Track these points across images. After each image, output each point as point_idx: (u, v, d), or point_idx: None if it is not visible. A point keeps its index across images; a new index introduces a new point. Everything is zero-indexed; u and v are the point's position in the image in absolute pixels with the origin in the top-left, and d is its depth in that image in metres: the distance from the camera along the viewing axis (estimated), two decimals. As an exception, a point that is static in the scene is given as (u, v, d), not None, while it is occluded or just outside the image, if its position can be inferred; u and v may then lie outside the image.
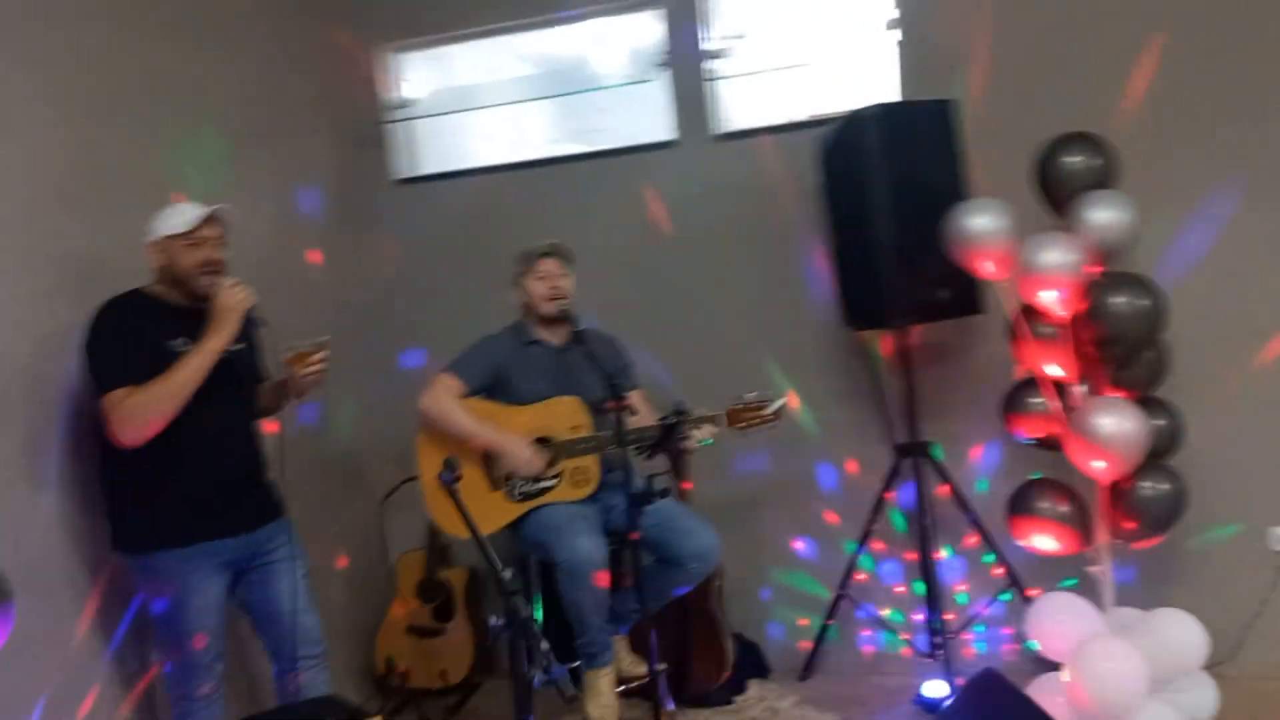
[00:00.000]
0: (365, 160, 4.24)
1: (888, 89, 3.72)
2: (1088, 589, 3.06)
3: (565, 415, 3.18)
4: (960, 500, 3.55)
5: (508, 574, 1.77)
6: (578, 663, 3.16)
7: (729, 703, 3.66)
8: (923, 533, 3.51)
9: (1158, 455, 2.97)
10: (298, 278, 3.84)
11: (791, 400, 3.66)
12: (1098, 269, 2.94)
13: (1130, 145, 3.13)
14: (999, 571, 3.56)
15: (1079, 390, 2.98)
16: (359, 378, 4.05)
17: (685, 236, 3.93)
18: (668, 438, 2.86)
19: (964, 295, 3.32)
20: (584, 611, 3.04)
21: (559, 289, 3.26)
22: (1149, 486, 2.95)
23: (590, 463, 3.16)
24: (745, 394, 3.13)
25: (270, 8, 3.88)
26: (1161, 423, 2.99)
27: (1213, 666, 2.97)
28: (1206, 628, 2.88)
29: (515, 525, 3.22)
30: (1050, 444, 3.05)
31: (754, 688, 3.76)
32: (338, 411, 3.93)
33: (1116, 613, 3.02)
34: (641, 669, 3.24)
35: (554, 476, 3.18)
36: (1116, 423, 2.81)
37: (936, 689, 3.45)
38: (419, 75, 4.36)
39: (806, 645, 3.84)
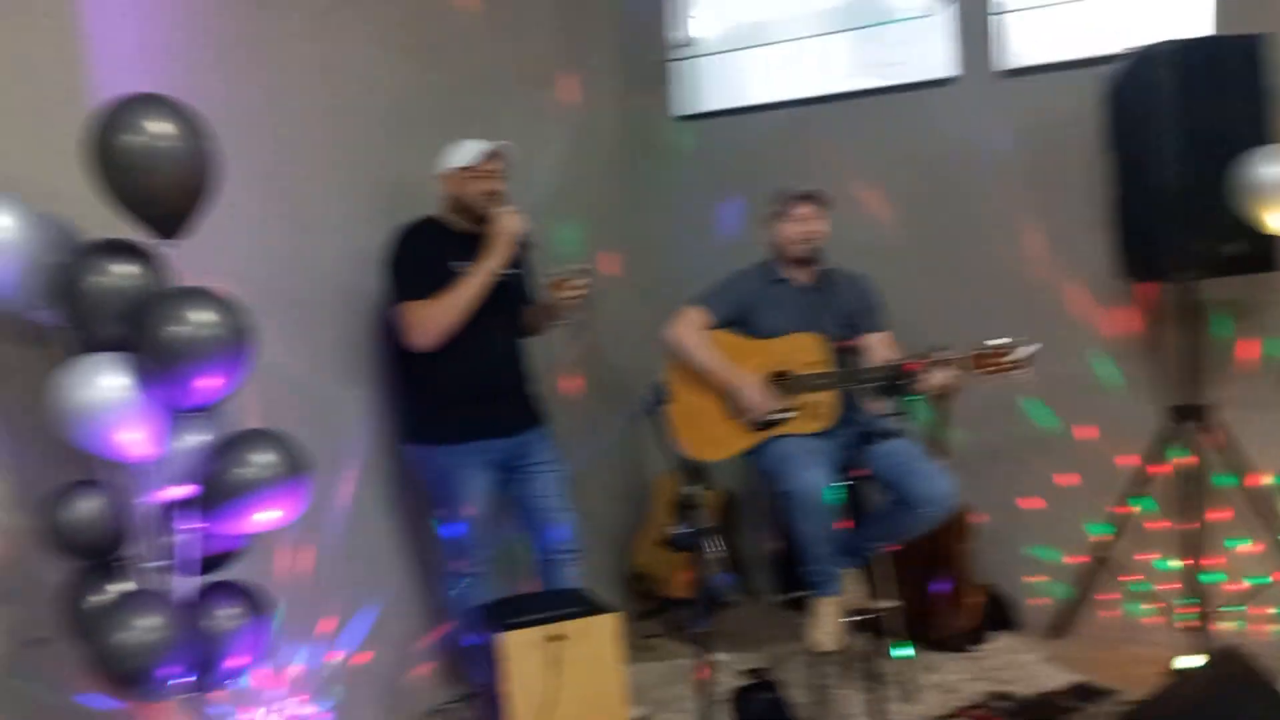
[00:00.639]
0: (650, 96, 4.44)
1: (1197, 22, 3.41)
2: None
3: (804, 351, 3.27)
4: (1238, 471, 3.28)
5: (692, 489, 1.93)
6: (804, 593, 3.29)
7: (970, 651, 3.65)
8: (1192, 501, 3.29)
9: None
10: (581, 208, 4.15)
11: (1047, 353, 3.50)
12: None
13: None
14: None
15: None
16: (631, 303, 4.33)
17: (961, 177, 3.83)
18: (903, 380, 2.88)
19: (1258, 249, 3.04)
20: (810, 541, 3.15)
21: (812, 233, 3.32)
22: None
23: (827, 398, 3.24)
24: (996, 338, 3.05)
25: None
26: None
27: None
28: None
29: (752, 454, 3.36)
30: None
31: (999, 640, 3.71)
32: (608, 334, 4.23)
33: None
34: (871, 604, 3.32)
35: (792, 409, 3.29)
36: None
37: (1192, 663, 3.26)
38: (706, 12, 4.49)
39: (1059, 604, 3.73)
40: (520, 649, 2.85)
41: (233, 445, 2.28)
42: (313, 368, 3.08)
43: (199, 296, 2.15)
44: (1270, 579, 3.35)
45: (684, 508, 1.89)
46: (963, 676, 3.47)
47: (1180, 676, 3.07)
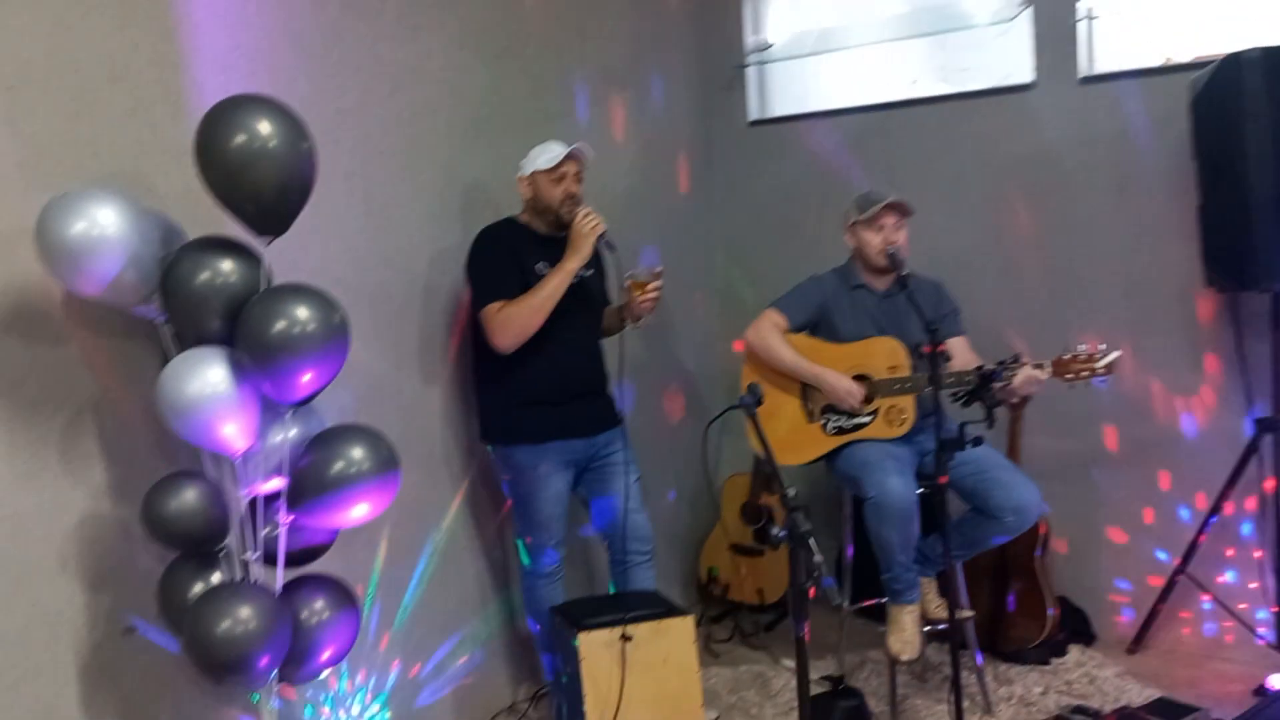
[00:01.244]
0: (724, 102, 4.45)
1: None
2: None
3: (884, 355, 3.24)
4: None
5: (792, 491, 1.93)
6: (878, 600, 3.26)
7: (1046, 663, 3.58)
8: (1278, 517, 3.22)
9: None
10: (656, 211, 4.16)
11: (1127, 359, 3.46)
12: None
13: None
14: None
15: None
16: (705, 307, 4.34)
17: (1041, 184, 3.78)
18: (984, 386, 2.85)
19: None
20: (890, 548, 3.12)
21: (894, 242, 3.30)
22: None
23: (906, 402, 3.21)
24: (1077, 345, 3.02)
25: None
26: None
27: None
28: None
29: (830, 459, 3.34)
30: None
31: (1075, 653, 3.65)
32: (680, 340, 4.25)
33: None
34: (948, 613, 3.28)
35: (869, 414, 3.26)
36: None
37: (1282, 683, 3.19)
38: (780, 16, 4.49)
39: (1137, 618, 3.66)
40: (595, 649, 2.86)
41: (325, 440, 2.31)
42: (395, 365, 3.12)
43: (299, 293, 2.18)
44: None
45: (784, 508, 1.87)
46: (1039, 689, 3.42)
47: (1273, 695, 3.00)
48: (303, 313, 2.15)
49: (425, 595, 3.21)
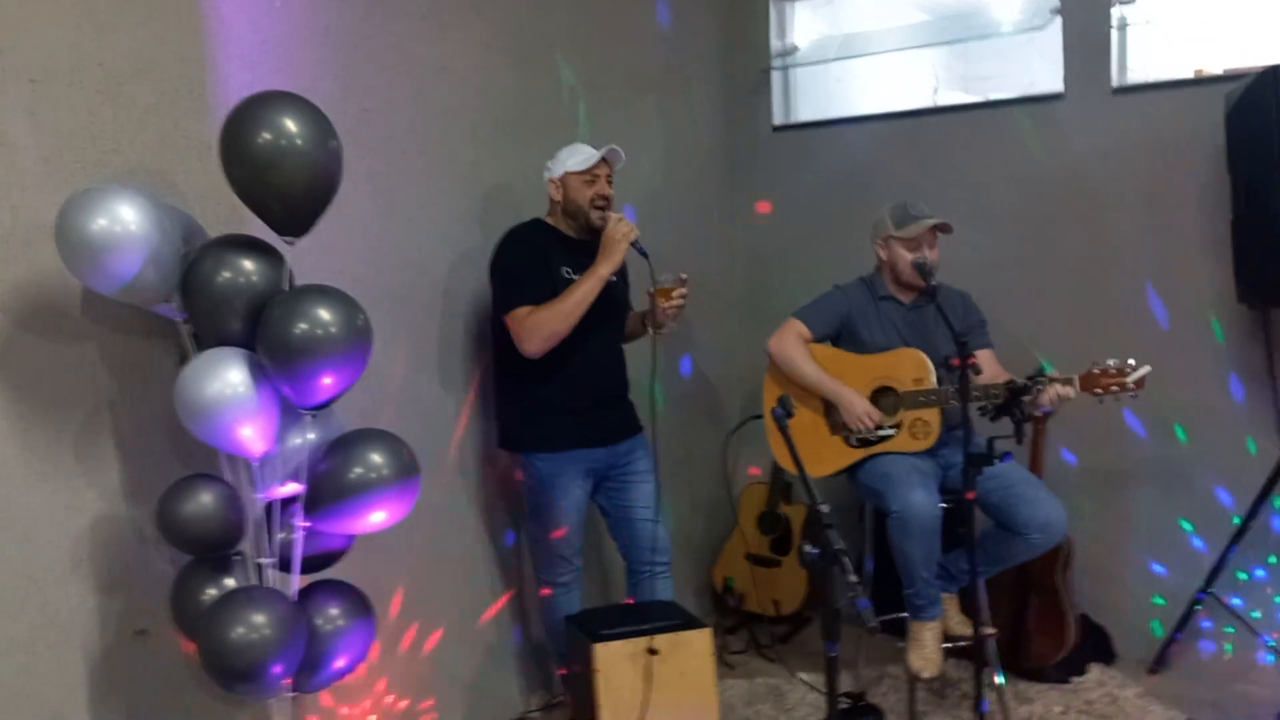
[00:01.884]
0: (749, 106, 4.41)
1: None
2: None
3: (909, 366, 3.19)
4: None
5: (825, 507, 1.88)
6: (897, 614, 3.21)
7: (1066, 682, 3.53)
8: (1309, 537, 3.17)
9: None
10: (678, 215, 4.12)
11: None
12: None
13: None
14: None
15: None
16: (726, 314, 4.30)
17: (1071, 195, 3.72)
18: (1014, 400, 2.80)
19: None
20: (912, 564, 3.07)
21: (932, 260, 3.25)
22: None
23: (931, 415, 3.16)
24: (1106, 359, 2.97)
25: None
26: None
27: None
28: None
29: (852, 471, 3.30)
30: None
31: (1095, 671, 3.58)
32: (700, 348, 4.20)
33: None
34: (969, 630, 3.23)
35: (893, 426, 3.22)
36: None
37: (1310, 708, 3.13)
38: (806, 21, 4.45)
39: (1160, 638, 3.60)
40: (612, 660, 2.82)
41: (344, 445, 2.27)
42: (416, 368, 3.08)
43: (322, 295, 2.14)
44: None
45: (817, 525, 1.83)
46: (1059, 708, 3.37)
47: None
48: (325, 315, 2.11)
49: (437, 601, 3.17)
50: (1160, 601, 3.66)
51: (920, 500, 3.00)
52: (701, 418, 4.25)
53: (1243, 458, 3.46)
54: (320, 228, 2.25)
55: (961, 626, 3.27)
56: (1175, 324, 3.56)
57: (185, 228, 2.23)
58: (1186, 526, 3.60)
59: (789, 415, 2.16)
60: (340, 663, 2.34)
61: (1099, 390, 2.97)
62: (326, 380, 2.13)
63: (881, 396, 3.25)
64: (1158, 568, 3.67)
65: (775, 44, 4.38)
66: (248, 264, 2.16)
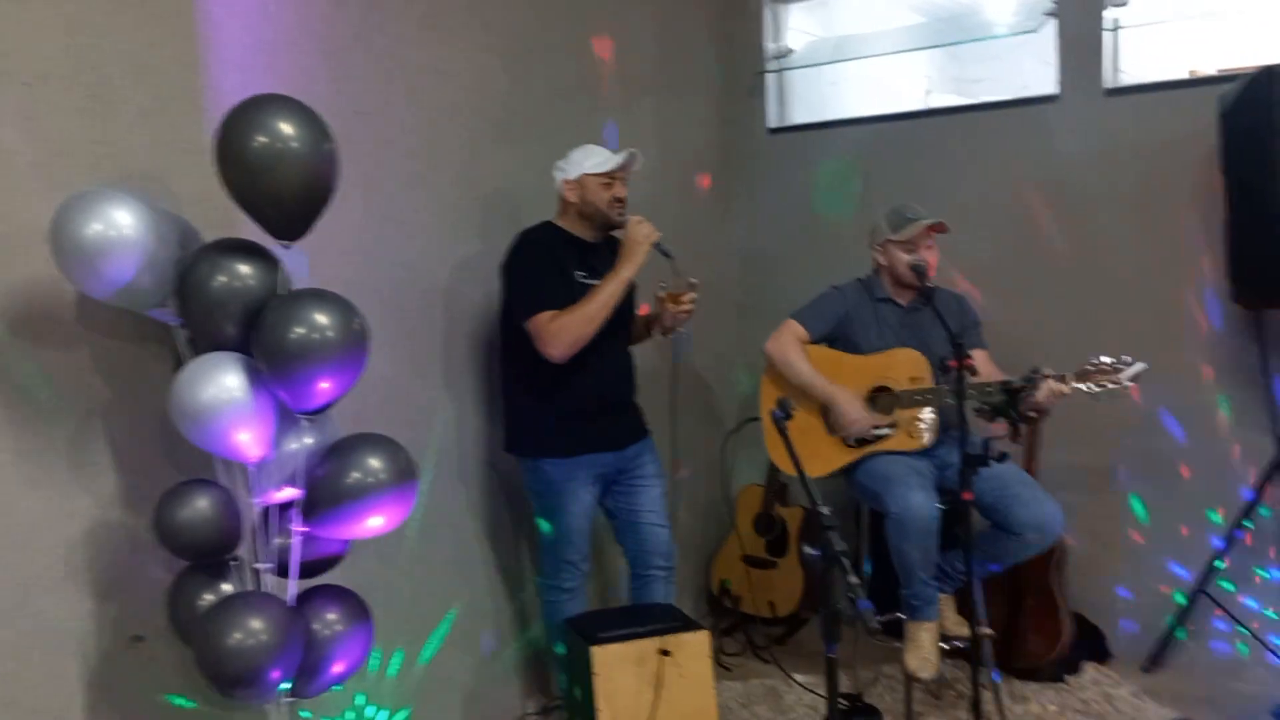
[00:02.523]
0: (744, 109, 4.40)
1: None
2: None
3: (906, 366, 3.20)
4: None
5: (826, 510, 1.88)
6: (899, 614, 3.21)
7: (1060, 681, 3.53)
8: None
9: None
10: (674, 218, 4.10)
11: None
12: None
13: None
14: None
15: None
16: (722, 316, 4.29)
17: (1062, 198, 3.74)
18: (1011, 400, 2.80)
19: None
20: (910, 564, 3.07)
21: (932, 264, 3.26)
22: None
23: (927, 415, 3.17)
24: (1100, 356, 2.97)
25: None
26: None
27: None
28: None
29: (849, 471, 3.30)
30: None
31: (1090, 670, 3.59)
32: (697, 349, 4.20)
33: None
34: (965, 630, 3.24)
35: (890, 425, 3.22)
36: None
37: (1305, 706, 3.15)
38: (800, 24, 4.45)
39: (1154, 636, 3.61)
40: (609, 663, 2.82)
41: (341, 449, 2.27)
42: (412, 372, 3.07)
43: (318, 299, 2.13)
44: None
45: (817, 528, 1.83)
46: (1054, 707, 3.38)
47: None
48: (322, 319, 2.10)
49: (437, 606, 3.16)
50: (1154, 600, 3.66)
51: (919, 501, 3.01)
52: (699, 420, 4.25)
53: (1237, 456, 3.47)
54: (315, 231, 2.23)
55: (958, 627, 3.28)
56: (1169, 324, 3.57)
57: (180, 232, 2.22)
58: (1180, 525, 3.61)
59: (788, 417, 2.16)
60: (338, 667, 2.33)
61: (1093, 385, 2.97)
62: (323, 385, 2.12)
63: (878, 396, 3.25)
64: (1151, 566, 3.68)
65: (769, 47, 4.38)
66: (243, 268, 2.15)
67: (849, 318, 3.34)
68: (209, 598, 2.24)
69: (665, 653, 2.82)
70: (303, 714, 2.58)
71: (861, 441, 3.25)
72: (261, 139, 2.04)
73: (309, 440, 2.24)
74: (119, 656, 2.35)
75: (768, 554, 4.09)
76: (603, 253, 3.08)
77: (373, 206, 2.94)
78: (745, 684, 3.67)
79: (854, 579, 1.75)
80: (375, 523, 2.27)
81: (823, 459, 3.29)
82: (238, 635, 2.08)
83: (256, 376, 2.12)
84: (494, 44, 3.30)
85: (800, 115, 4.41)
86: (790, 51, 4.40)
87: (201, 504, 2.20)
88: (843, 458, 3.28)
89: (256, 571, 2.27)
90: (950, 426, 3.20)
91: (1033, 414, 3.18)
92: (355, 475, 2.22)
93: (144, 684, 2.39)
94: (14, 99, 2.15)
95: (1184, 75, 3.57)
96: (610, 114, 3.76)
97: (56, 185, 2.16)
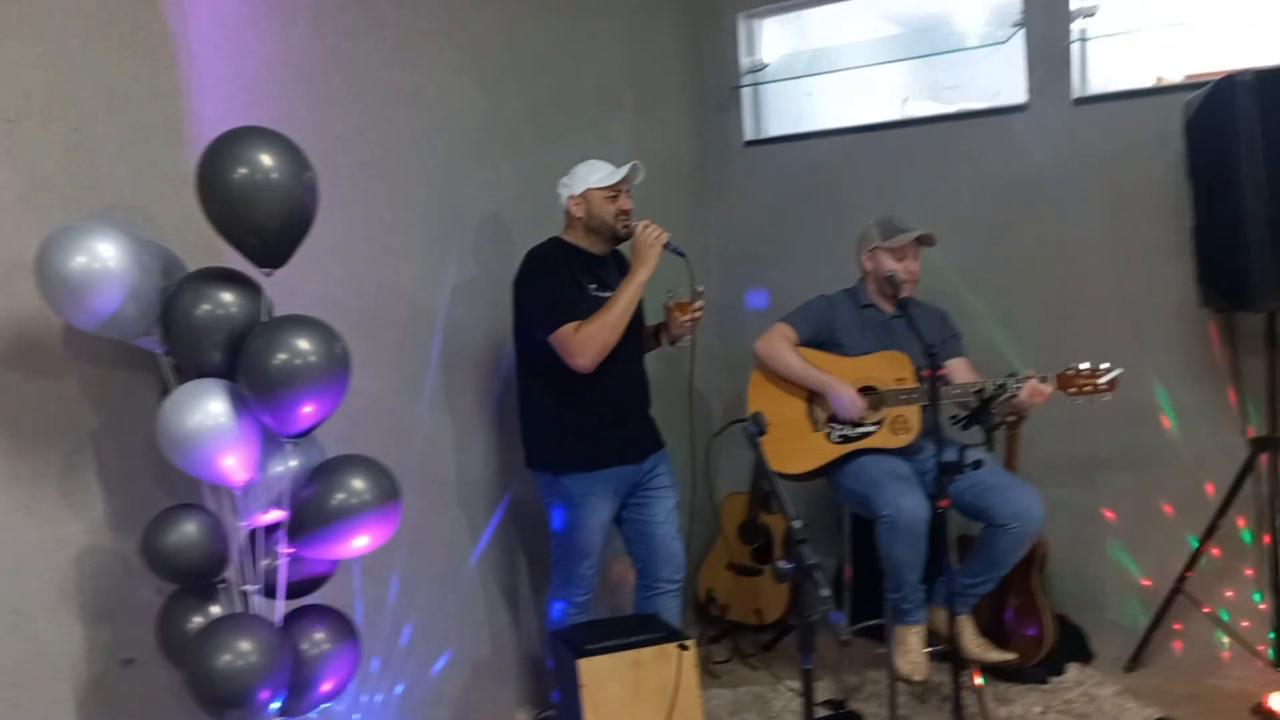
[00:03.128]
0: (719, 122, 4.46)
1: (1271, 50, 3.37)
2: None
3: (891, 366, 3.27)
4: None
5: (798, 523, 1.93)
6: (877, 621, 3.27)
7: (1044, 682, 3.58)
8: (1274, 534, 3.23)
9: None
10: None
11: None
12: None
13: None
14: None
15: None
16: (704, 325, 4.31)
17: (1036, 204, 3.80)
18: (983, 408, 2.86)
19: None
20: (901, 567, 3.13)
21: (913, 273, 3.33)
22: None
23: (911, 413, 3.23)
24: (1080, 362, 3.03)
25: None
26: None
27: None
28: None
29: (834, 474, 3.36)
30: None
31: (1073, 671, 3.65)
32: (681, 358, 4.24)
33: None
34: (994, 655, 3.29)
35: (875, 422, 3.27)
36: None
37: (1280, 702, 3.20)
38: (774, 38, 4.50)
39: (1136, 636, 3.67)
40: (597, 675, 2.85)
41: (326, 471, 2.31)
42: (396, 390, 3.11)
43: (300, 324, 2.18)
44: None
45: (790, 541, 1.88)
46: (1039, 708, 3.42)
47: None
48: (304, 344, 2.14)
49: (433, 617, 3.20)
50: (1135, 600, 3.72)
51: (911, 504, 3.06)
52: (681, 428, 4.28)
53: (1212, 457, 3.53)
54: (299, 256, 2.28)
55: (982, 651, 3.30)
56: (1141, 329, 3.63)
57: (164, 261, 2.26)
58: (1158, 525, 3.67)
59: (761, 432, 2.21)
60: (327, 686, 2.37)
61: (1073, 390, 3.04)
62: (307, 409, 2.16)
63: (864, 396, 3.30)
64: (1132, 566, 3.74)
65: (744, 61, 4.43)
66: (226, 296, 2.19)
67: (835, 322, 3.41)
68: (198, 620, 2.28)
69: (684, 647, 2.85)
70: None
71: (845, 438, 3.30)
72: (242, 171, 2.09)
73: (294, 463, 2.28)
74: (112, 680, 2.39)
75: (753, 561, 4.14)
76: (611, 266, 3.13)
77: (354, 229, 2.98)
78: (734, 691, 3.71)
79: (826, 591, 1.79)
80: (361, 542, 2.31)
81: (807, 455, 3.35)
82: (227, 657, 2.12)
83: (241, 402, 2.16)
84: (467, 67, 3.35)
85: (777, 127, 4.46)
86: (765, 65, 4.46)
87: (189, 528, 2.24)
88: (826, 454, 3.33)
89: (244, 594, 2.30)
90: (930, 432, 3.26)
91: (1011, 417, 3.24)
92: (340, 496, 2.26)
93: (136, 707, 2.43)
94: (-3, 135, 2.20)
95: (1151, 83, 3.63)
96: (587, 131, 3.81)
97: (40, 219, 2.20)
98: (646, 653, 2.89)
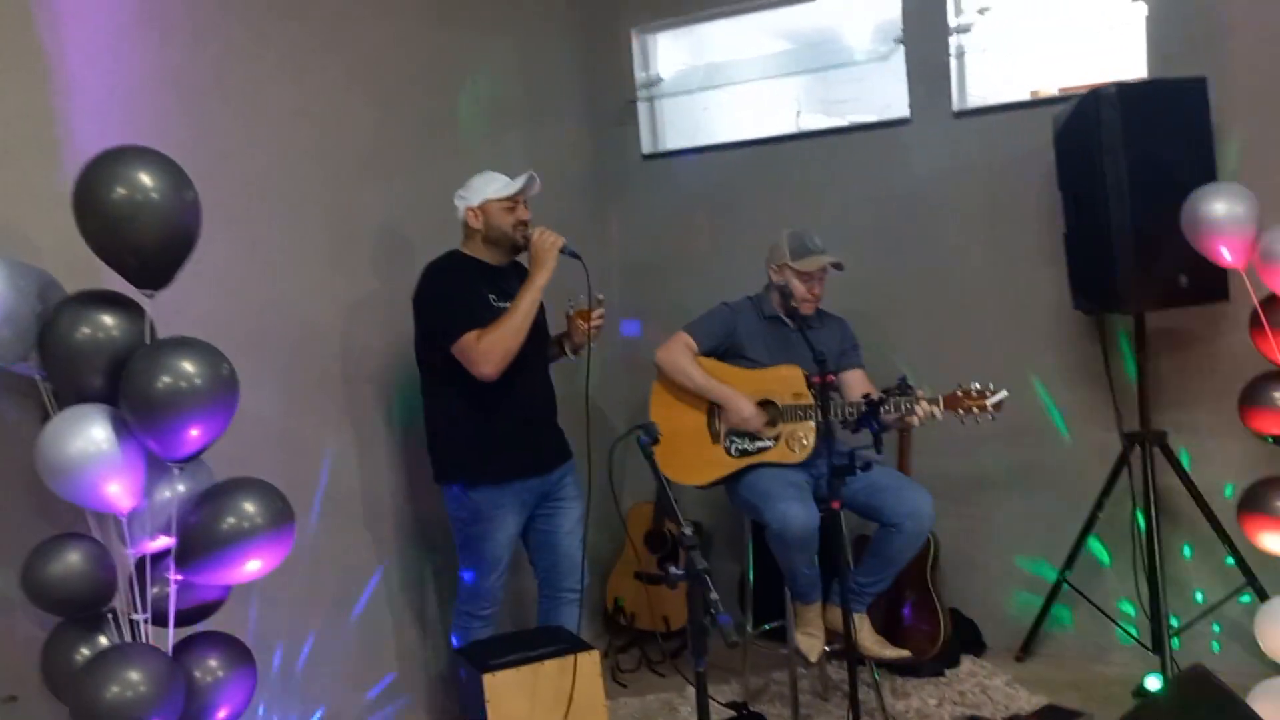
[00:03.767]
0: (617, 136, 4.50)
1: (1137, 64, 3.56)
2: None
3: (788, 382, 3.33)
4: (1194, 494, 3.40)
5: (688, 529, 1.97)
6: (778, 623, 3.34)
7: (939, 675, 3.70)
8: (1148, 524, 3.40)
9: None
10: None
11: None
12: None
13: None
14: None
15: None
16: (605, 334, 4.35)
17: (918, 215, 3.93)
18: (870, 413, 2.95)
19: (1206, 281, 3.15)
20: (794, 567, 3.23)
21: (816, 296, 3.42)
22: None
23: (808, 429, 3.31)
24: (970, 383, 3.14)
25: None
26: None
27: None
28: None
29: (731, 487, 3.42)
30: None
31: (967, 663, 3.77)
32: (582, 369, 4.27)
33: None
34: (888, 652, 3.36)
35: (772, 438, 3.34)
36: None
37: (1159, 683, 3.35)
38: (669, 53, 4.57)
39: (1023, 627, 3.81)
40: (501, 689, 2.85)
41: (215, 496, 2.27)
42: (286, 410, 3.06)
43: (184, 347, 2.14)
44: (1225, 598, 3.46)
45: (680, 547, 1.92)
46: (934, 700, 3.53)
47: (1150, 698, 3.16)
48: (188, 367, 2.11)
49: (346, 640, 3.17)
50: (1024, 592, 3.87)
51: (795, 512, 3.13)
52: (584, 439, 4.31)
53: (1089, 452, 3.69)
54: (183, 276, 2.24)
55: (878, 647, 3.38)
56: (1021, 332, 3.79)
57: (40, 284, 2.20)
58: (1043, 519, 3.82)
59: (654, 442, 2.25)
60: (222, 714, 2.33)
61: (961, 411, 3.15)
62: (193, 432, 2.13)
63: (762, 409, 3.37)
64: (1020, 560, 3.89)
65: (640, 75, 4.49)
66: (106, 319, 2.15)
67: (738, 333, 3.47)
68: (85, 652, 2.22)
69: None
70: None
71: (744, 452, 3.36)
72: (120, 191, 2.05)
73: (181, 488, 2.24)
74: (-4, 717, 2.31)
75: (660, 569, 4.18)
76: (511, 276, 3.14)
77: (240, 248, 2.94)
78: (642, 699, 3.75)
79: (714, 595, 1.84)
80: (253, 567, 2.27)
81: (706, 468, 3.40)
82: (115, 688, 2.07)
83: (124, 427, 2.12)
84: (356, 83, 3.33)
85: (674, 141, 4.52)
86: (660, 79, 4.52)
87: (72, 558, 2.19)
88: (725, 467, 3.39)
89: (133, 623, 2.25)
90: (825, 438, 3.34)
91: (901, 427, 3.35)
92: (230, 520, 2.23)
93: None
94: None
95: (1026, 96, 3.79)
96: (481, 145, 3.82)
97: (-93, 243, 2.13)
98: (550, 665, 2.90)
